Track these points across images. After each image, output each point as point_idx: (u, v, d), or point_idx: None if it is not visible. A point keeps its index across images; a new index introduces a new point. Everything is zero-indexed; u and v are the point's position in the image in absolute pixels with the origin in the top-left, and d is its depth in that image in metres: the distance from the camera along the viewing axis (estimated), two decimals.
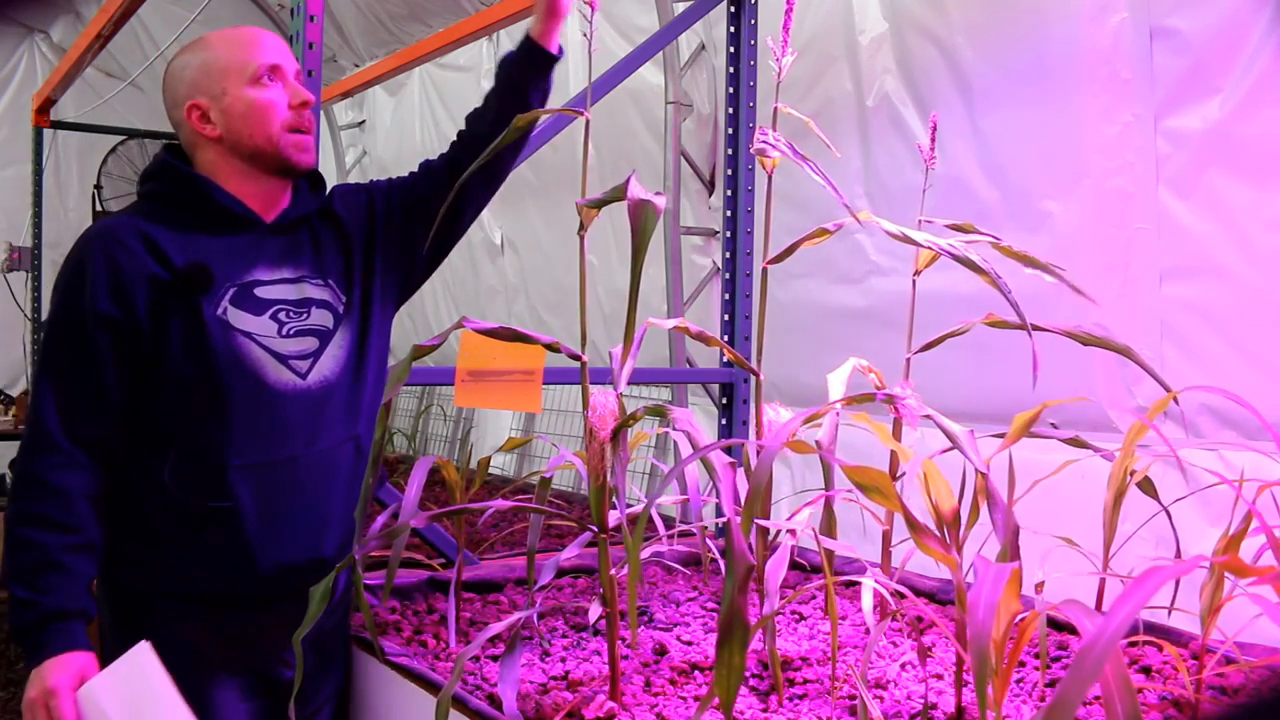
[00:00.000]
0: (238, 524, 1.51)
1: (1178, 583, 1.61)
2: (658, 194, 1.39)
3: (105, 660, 1.45)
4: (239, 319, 1.52)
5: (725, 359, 2.47)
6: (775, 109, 1.57)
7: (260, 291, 1.56)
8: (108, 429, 1.51)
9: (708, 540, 1.97)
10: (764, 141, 1.49)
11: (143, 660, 1.41)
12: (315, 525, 1.57)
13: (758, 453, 1.38)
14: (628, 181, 1.38)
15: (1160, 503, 1.58)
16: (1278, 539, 1.30)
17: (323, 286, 1.62)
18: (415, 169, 1.82)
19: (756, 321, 1.66)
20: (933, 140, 1.78)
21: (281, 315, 1.56)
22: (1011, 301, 1.38)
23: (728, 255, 2.58)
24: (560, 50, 1.75)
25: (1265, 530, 1.30)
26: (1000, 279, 1.40)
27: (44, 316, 6.07)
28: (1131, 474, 1.62)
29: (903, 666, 1.65)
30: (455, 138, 1.80)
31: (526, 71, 1.72)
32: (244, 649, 1.58)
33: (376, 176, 5.89)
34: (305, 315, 1.58)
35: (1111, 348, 1.58)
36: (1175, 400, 1.60)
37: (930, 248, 1.48)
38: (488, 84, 5.08)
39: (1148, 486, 1.62)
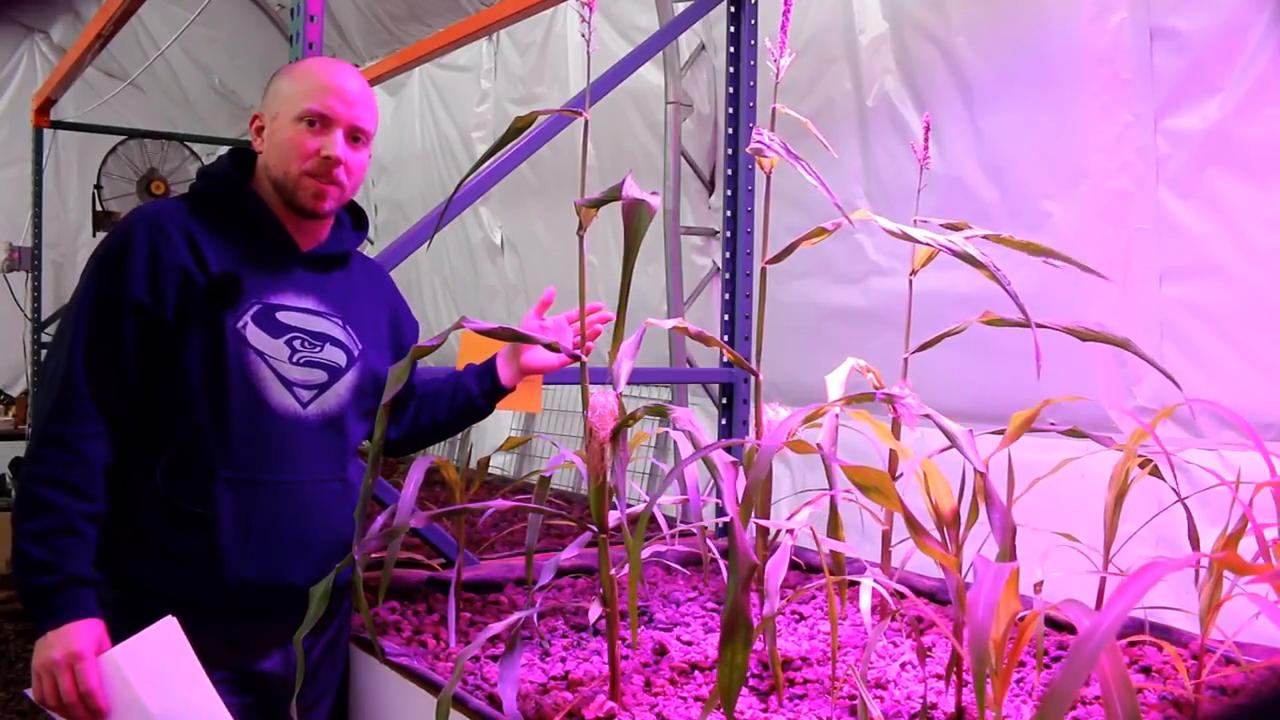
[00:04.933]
0: (214, 533, 1.53)
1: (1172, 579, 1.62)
2: (653, 194, 1.40)
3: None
4: (256, 337, 1.55)
5: (725, 359, 2.47)
6: (774, 109, 1.57)
7: (282, 316, 1.59)
8: (126, 409, 1.54)
9: (708, 540, 1.97)
10: (759, 142, 1.49)
11: (169, 634, 1.42)
12: (287, 552, 1.58)
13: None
14: (624, 181, 1.38)
15: (1176, 491, 1.58)
16: (1267, 540, 1.30)
17: (341, 328, 1.65)
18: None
19: (756, 321, 1.65)
20: (926, 140, 1.78)
21: (296, 343, 1.59)
22: (1011, 293, 1.37)
23: (728, 255, 2.58)
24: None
25: (1256, 532, 1.30)
26: (999, 271, 1.39)
27: (44, 312, 5.94)
28: (1143, 466, 1.62)
29: (902, 666, 1.66)
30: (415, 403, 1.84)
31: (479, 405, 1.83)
32: (225, 646, 1.58)
33: (376, 176, 5.82)
34: (319, 348, 1.61)
35: (1111, 341, 1.58)
36: (1175, 404, 1.60)
37: (930, 244, 1.48)
38: (488, 84, 5.04)
39: (1158, 475, 1.62)
